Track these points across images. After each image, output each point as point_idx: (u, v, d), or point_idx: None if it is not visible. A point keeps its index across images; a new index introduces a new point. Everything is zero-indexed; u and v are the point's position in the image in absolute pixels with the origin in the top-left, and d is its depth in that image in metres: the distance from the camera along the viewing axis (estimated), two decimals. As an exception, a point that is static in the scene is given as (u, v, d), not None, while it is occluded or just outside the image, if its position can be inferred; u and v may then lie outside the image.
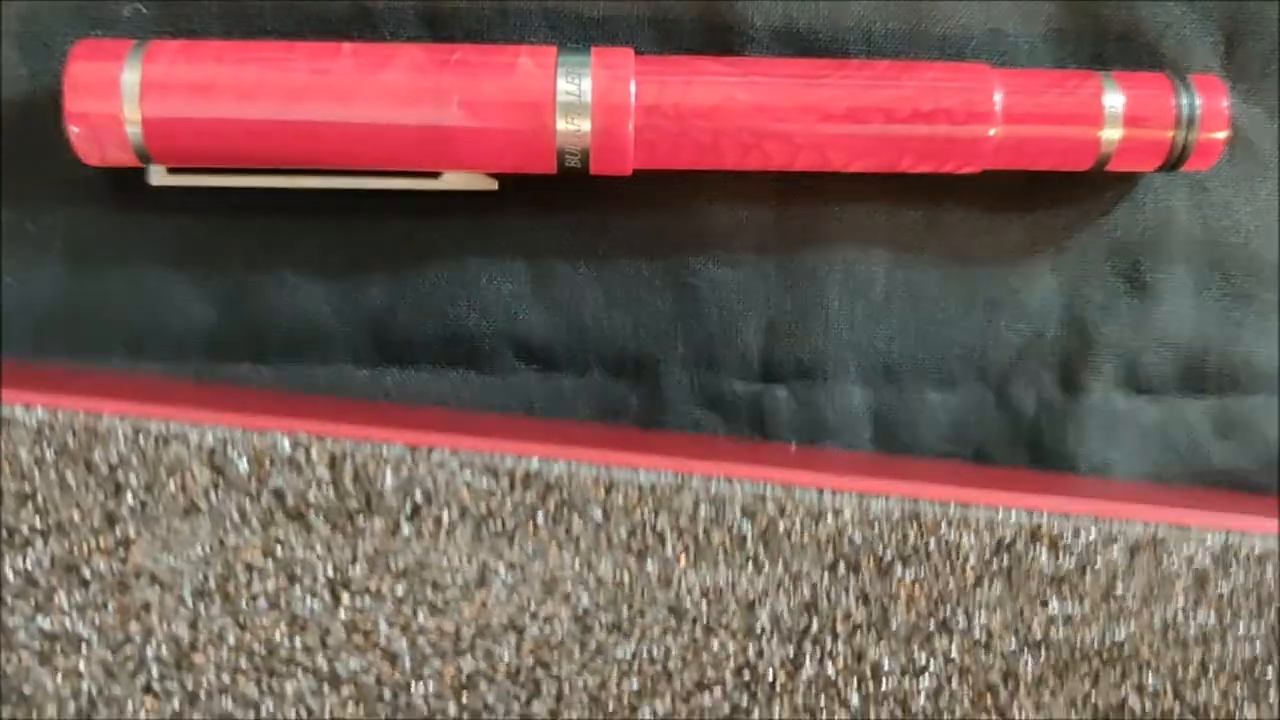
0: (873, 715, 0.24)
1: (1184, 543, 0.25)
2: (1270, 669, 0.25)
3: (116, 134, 0.25)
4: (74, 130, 0.25)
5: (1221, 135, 0.28)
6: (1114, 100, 0.28)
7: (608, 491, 0.23)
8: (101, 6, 0.28)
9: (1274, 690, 0.25)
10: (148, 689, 0.21)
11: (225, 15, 0.28)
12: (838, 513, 0.24)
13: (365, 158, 0.26)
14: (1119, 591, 0.25)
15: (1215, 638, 0.25)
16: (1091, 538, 0.24)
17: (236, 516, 0.22)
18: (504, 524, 0.23)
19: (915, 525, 0.24)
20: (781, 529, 0.24)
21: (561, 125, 0.26)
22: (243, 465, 0.22)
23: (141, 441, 0.22)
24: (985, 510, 0.24)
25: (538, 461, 0.23)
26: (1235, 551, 0.25)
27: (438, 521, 0.23)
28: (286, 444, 0.22)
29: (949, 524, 0.24)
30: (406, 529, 0.23)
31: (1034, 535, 0.24)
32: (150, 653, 0.22)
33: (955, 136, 0.27)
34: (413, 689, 0.22)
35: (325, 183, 0.27)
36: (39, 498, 0.22)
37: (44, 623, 0.21)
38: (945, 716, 0.24)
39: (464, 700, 0.23)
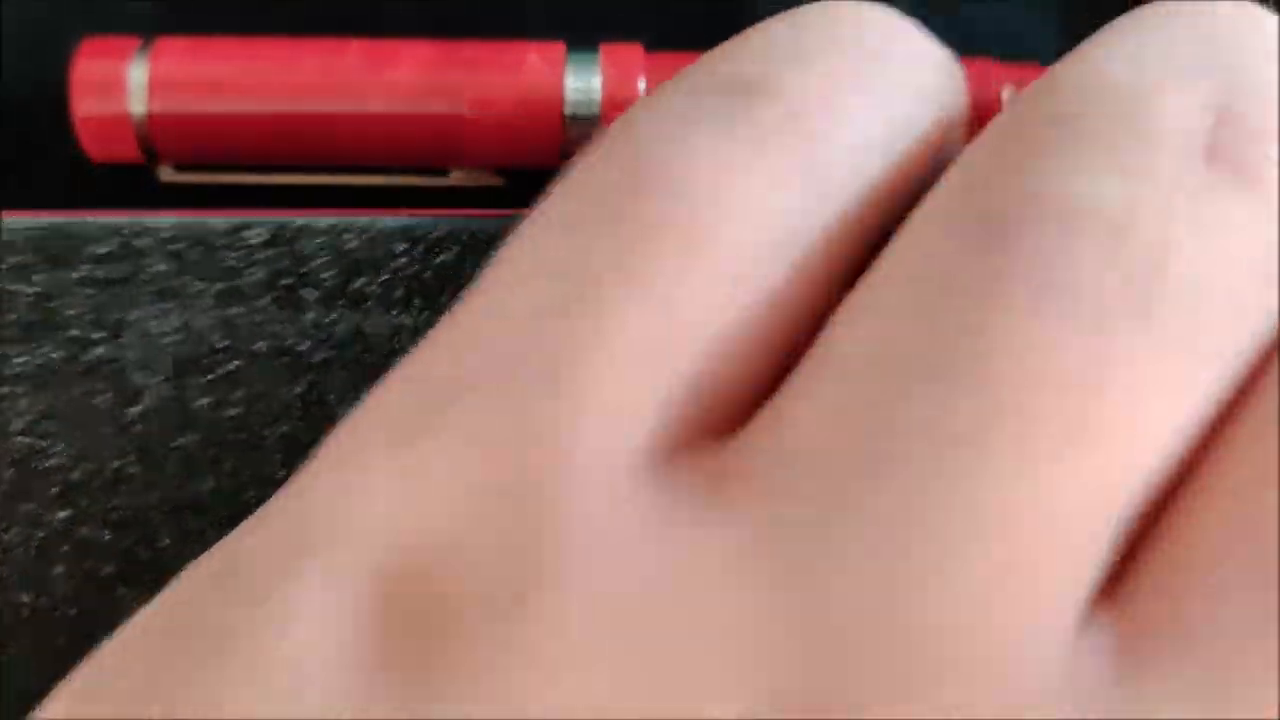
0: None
1: None
2: None
3: (123, 132, 0.26)
4: (81, 129, 0.26)
5: None
6: (1120, 95, 0.27)
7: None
8: (107, 4, 0.29)
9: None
10: (144, 457, 0.24)
11: (232, 12, 0.29)
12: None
13: (373, 156, 0.27)
14: None
15: None
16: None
17: (197, 299, 0.25)
18: (427, 286, 0.25)
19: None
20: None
21: (571, 122, 0.26)
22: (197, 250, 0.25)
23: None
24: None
25: (449, 222, 0.25)
26: None
27: (365, 291, 0.25)
28: (228, 225, 0.24)
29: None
30: (340, 299, 0.25)
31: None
32: (144, 427, 0.25)
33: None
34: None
35: (333, 180, 0.27)
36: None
37: (53, 401, 0.25)
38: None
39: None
